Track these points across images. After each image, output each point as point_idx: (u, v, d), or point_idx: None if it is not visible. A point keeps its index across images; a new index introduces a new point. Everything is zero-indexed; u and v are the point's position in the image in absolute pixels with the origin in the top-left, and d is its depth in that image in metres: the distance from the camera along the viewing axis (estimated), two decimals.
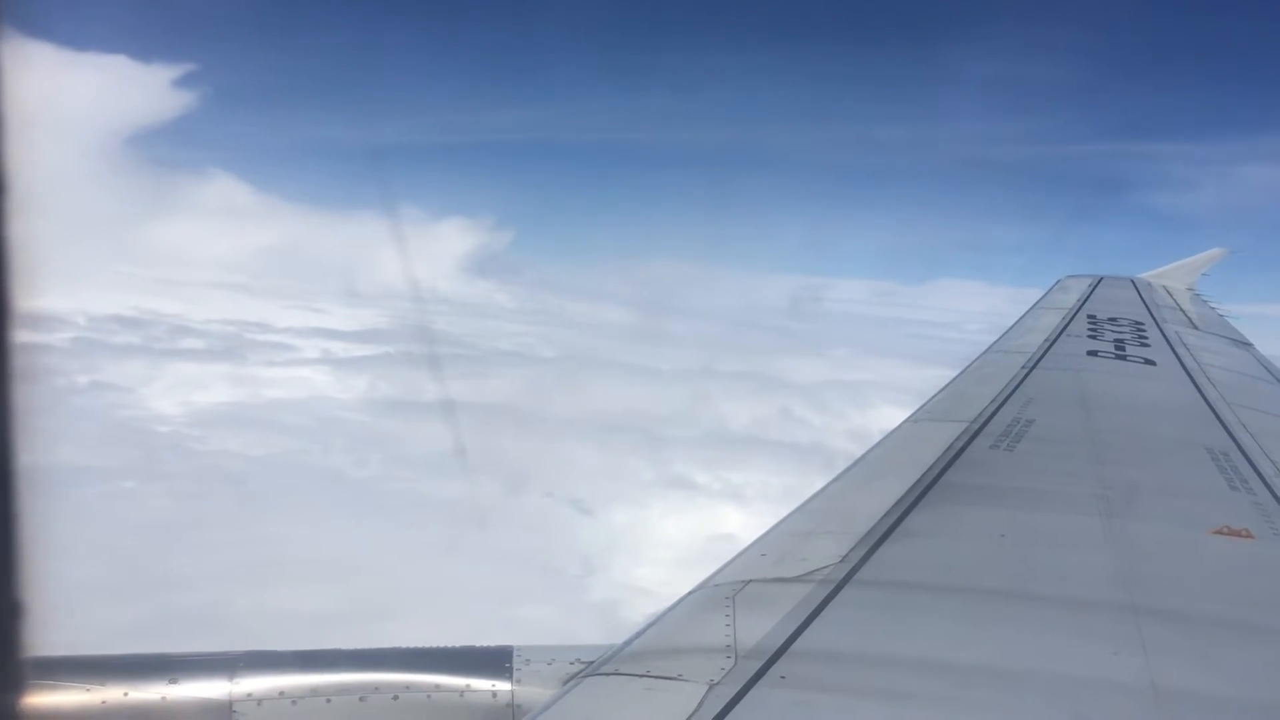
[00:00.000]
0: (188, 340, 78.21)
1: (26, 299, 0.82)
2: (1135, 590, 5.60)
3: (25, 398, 0.84)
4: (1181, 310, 19.19)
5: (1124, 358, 13.66)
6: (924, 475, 7.48)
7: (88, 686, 4.87)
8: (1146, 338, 15.44)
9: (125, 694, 4.90)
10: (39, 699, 4.76)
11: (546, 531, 43.34)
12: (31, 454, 0.85)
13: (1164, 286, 21.70)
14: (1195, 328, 17.39)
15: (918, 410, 10.13)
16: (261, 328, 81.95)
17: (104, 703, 4.85)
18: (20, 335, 0.81)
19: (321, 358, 73.90)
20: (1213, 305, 20.78)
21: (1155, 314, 17.90)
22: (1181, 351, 14.54)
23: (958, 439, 8.60)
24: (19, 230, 0.82)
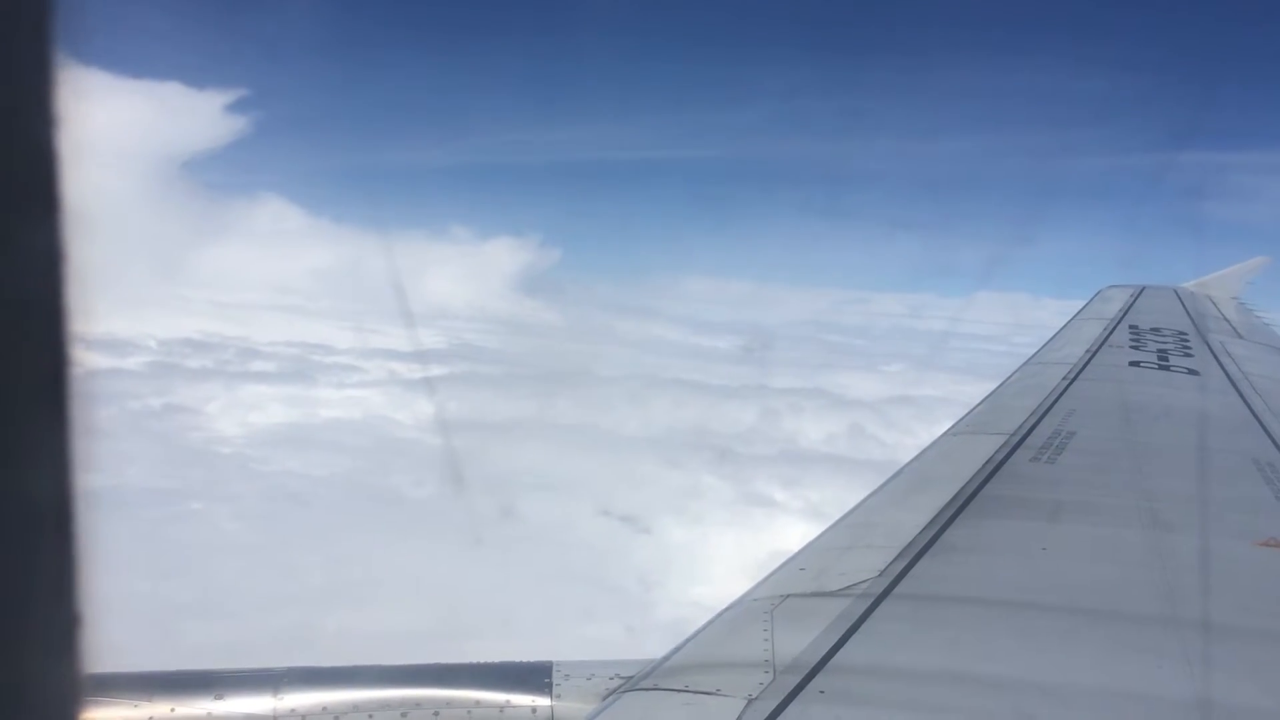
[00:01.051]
0: (257, 363, 79.23)
1: (88, 319, 0.86)
2: (1180, 603, 5.54)
3: (84, 410, 0.88)
4: (1226, 319, 18.94)
5: (1167, 368, 13.50)
6: (964, 488, 7.43)
7: (135, 702, 4.94)
8: (1190, 348, 15.25)
9: (172, 710, 4.96)
10: (88, 714, 4.83)
11: (618, 550, 43.07)
12: (90, 468, 0.88)
13: (1208, 296, 21.41)
14: (1240, 337, 17.15)
15: (957, 423, 10.07)
16: (325, 349, 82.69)
17: (151, 718, 4.92)
18: (80, 349, 0.85)
19: (387, 379, 74.33)
20: (1258, 314, 20.49)
21: (1199, 323, 17.68)
22: (1226, 361, 14.35)
23: (998, 452, 8.54)
24: (79, 253, 0.86)
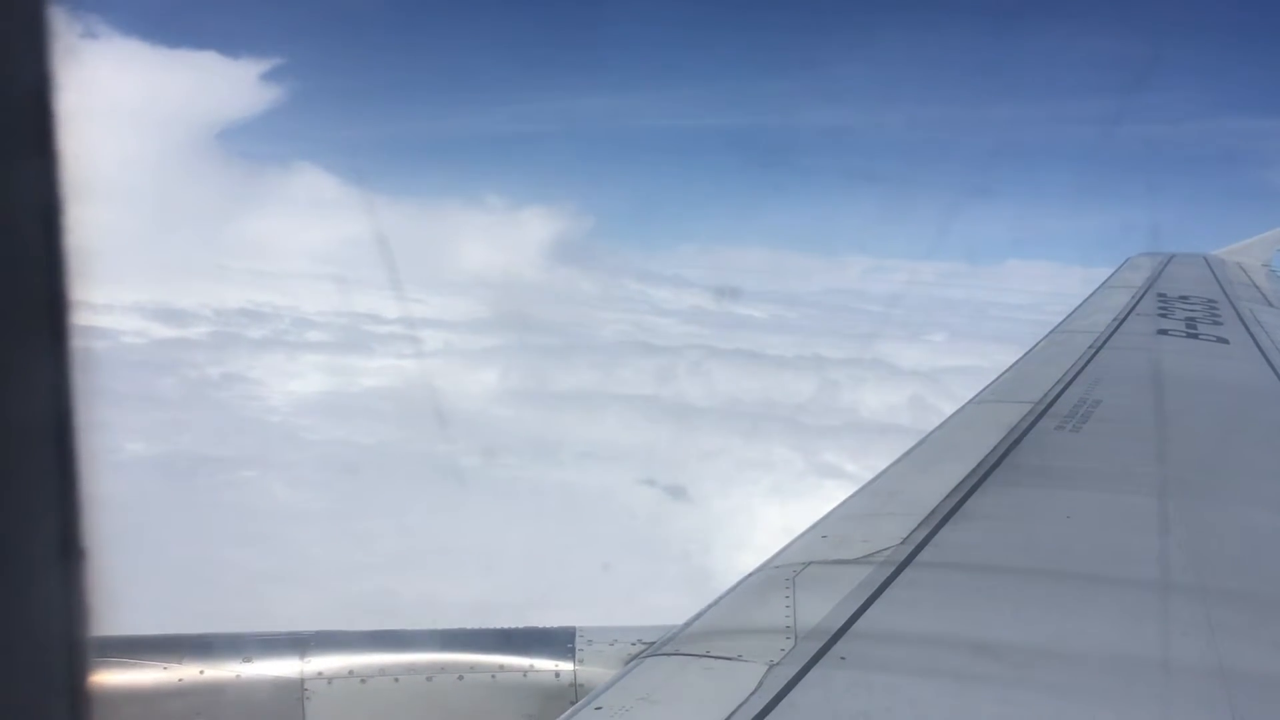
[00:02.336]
0: (312, 333, 79.42)
1: (86, 264, 0.88)
2: (1204, 572, 5.52)
3: (83, 346, 0.90)
4: (1256, 287, 18.72)
5: (1196, 336, 13.38)
6: (987, 457, 7.41)
7: (165, 665, 5.02)
8: (1219, 316, 15.10)
9: (201, 672, 5.04)
10: (119, 676, 4.92)
11: (688, 521, 42.62)
12: (88, 403, 0.90)
13: (1238, 263, 21.17)
14: (1271, 305, 16.97)
15: (982, 391, 10.02)
16: (374, 319, 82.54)
17: (180, 680, 5.00)
18: (78, 288, 0.88)
19: (444, 348, 74.28)
20: None
21: (1228, 291, 17.48)
22: (1256, 330, 14.20)
23: (1023, 420, 8.49)
24: (76, 199, 0.88)
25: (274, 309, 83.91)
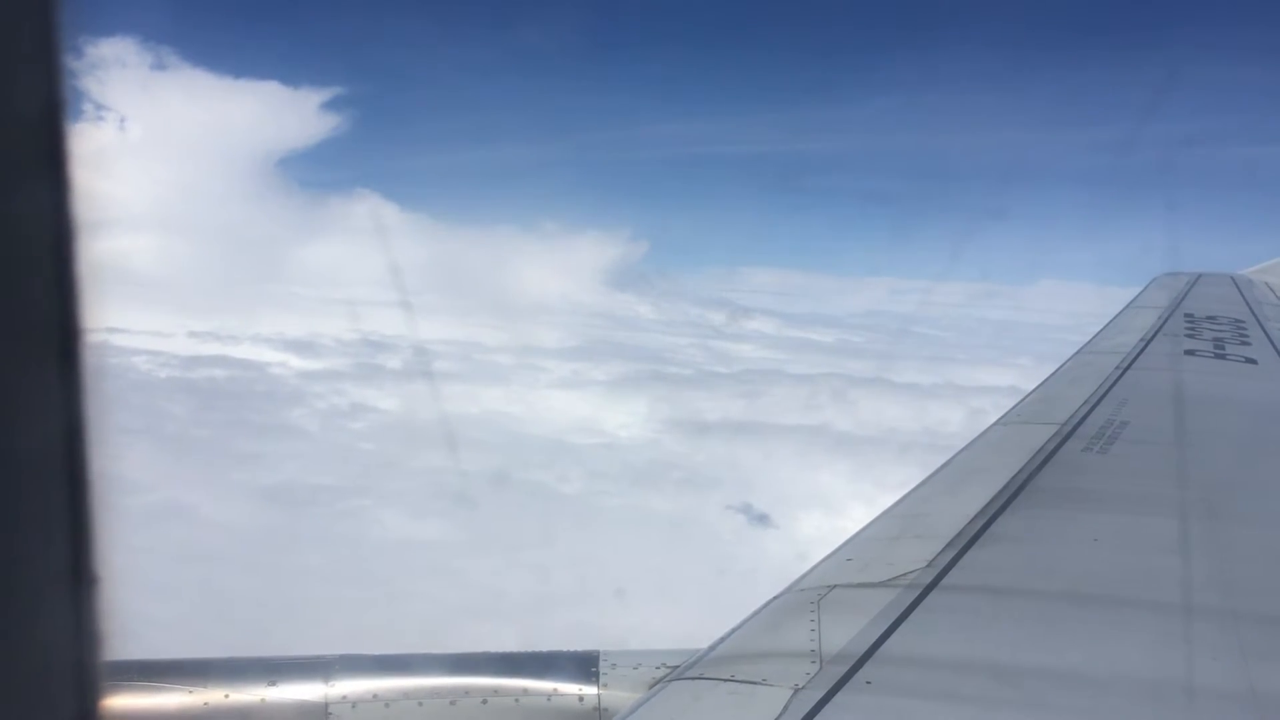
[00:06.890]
0: (438, 362, 78.64)
1: (99, 289, 0.90)
2: (1233, 595, 5.46)
3: (95, 372, 0.91)
4: None
5: (1223, 357, 13.25)
6: (1013, 479, 7.36)
7: (190, 688, 5.04)
8: (1247, 336, 14.96)
9: (226, 696, 5.06)
10: (144, 700, 4.94)
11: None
12: (101, 429, 0.91)
13: (1266, 283, 21.00)
14: None
15: (1007, 413, 9.95)
16: (478, 347, 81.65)
17: (206, 704, 5.02)
18: (91, 315, 0.88)
19: (571, 378, 74.02)
20: None
21: (1256, 311, 17.32)
22: None
23: (1049, 442, 8.43)
24: (88, 224, 0.89)
25: (383, 337, 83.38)
